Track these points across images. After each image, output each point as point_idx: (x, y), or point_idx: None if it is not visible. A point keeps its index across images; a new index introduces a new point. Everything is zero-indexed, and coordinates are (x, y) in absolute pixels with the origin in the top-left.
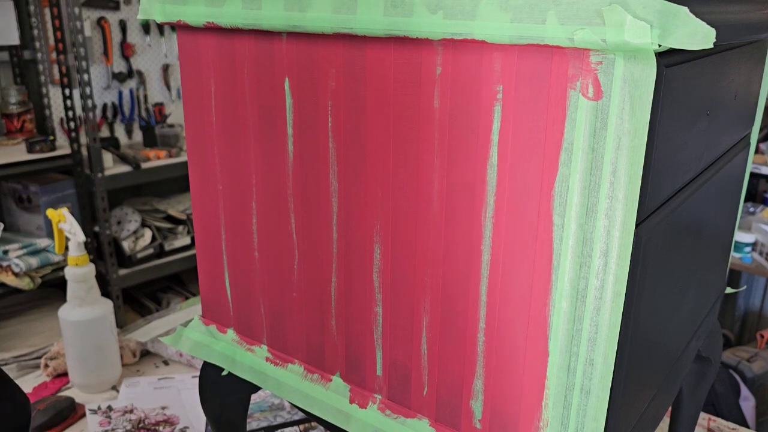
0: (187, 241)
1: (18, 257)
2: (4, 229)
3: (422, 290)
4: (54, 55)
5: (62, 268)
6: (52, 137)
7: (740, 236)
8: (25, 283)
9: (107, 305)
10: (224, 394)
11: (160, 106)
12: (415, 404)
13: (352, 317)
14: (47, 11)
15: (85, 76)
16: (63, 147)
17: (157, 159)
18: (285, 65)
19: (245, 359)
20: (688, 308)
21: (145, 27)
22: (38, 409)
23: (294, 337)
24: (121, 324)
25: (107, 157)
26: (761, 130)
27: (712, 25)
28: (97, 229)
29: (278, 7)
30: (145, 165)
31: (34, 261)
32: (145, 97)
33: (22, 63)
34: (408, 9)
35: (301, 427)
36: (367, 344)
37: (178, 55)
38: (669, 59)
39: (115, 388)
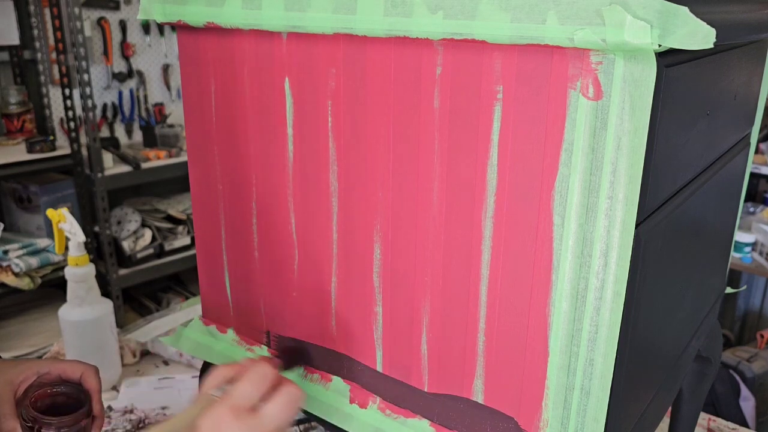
0: (187, 241)
1: (18, 257)
2: (4, 229)
3: (422, 290)
4: (54, 55)
5: (62, 268)
6: (52, 137)
7: (740, 236)
8: (25, 283)
9: (107, 305)
10: None
11: (160, 106)
12: (415, 404)
13: (352, 317)
14: (47, 11)
15: (85, 76)
16: (63, 147)
17: (157, 159)
18: (285, 65)
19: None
20: (688, 308)
21: (145, 27)
22: None
23: (294, 337)
24: (121, 324)
25: (107, 157)
26: (761, 130)
27: (712, 25)
28: (97, 229)
29: (278, 7)
30: (145, 165)
31: (34, 261)
32: (145, 97)
33: (22, 63)
34: (408, 9)
35: (301, 427)
36: (367, 344)
37: (178, 55)
38: (669, 59)
39: (115, 388)
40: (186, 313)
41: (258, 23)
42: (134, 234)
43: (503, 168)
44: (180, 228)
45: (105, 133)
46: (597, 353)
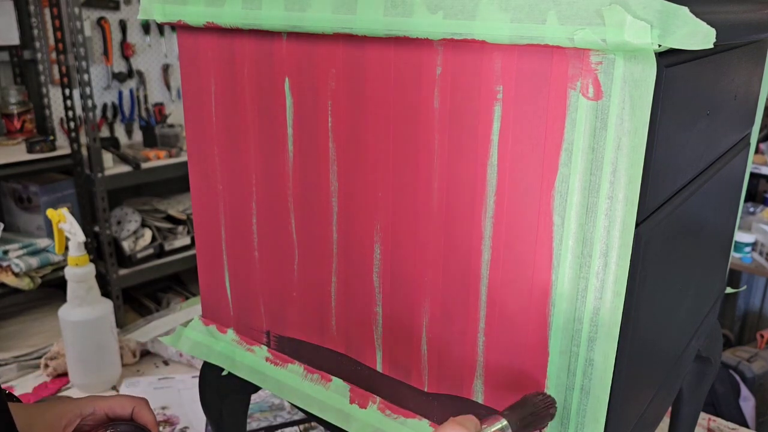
0: (187, 241)
1: (18, 257)
2: (4, 229)
3: (422, 290)
4: (54, 55)
5: (62, 268)
6: (52, 137)
7: (740, 236)
8: (25, 283)
9: (107, 305)
10: (224, 394)
11: (160, 106)
12: (415, 404)
13: (352, 317)
14: (47, 11)
15: (85, 76)
16: (63, 147)
17: (157, 159)
18: (285, 65)
19: (245, 359)
20: (688, 308)
21: (145, 27)
22: None
23: (294, 336)
24: (121, 324)
25: (107, 157)
26: (761, 130)
27: (712, 25)
28: (97, 229)
29: (278, 7)
30: (145, 165)
31: (34, 261)
32: (145, 97)
33: (22, 63)
34: (408, 9)
35: (301, 427)
36: (367, 344)
37: (178, 55)
38: (669, 59)
39: (115, 388)
40: (186, 313)
41: (258, 23)
42: (134, 234)
43: (503, 168)
44: (180, 228)
45: (105, 133)
46: (597, 353)
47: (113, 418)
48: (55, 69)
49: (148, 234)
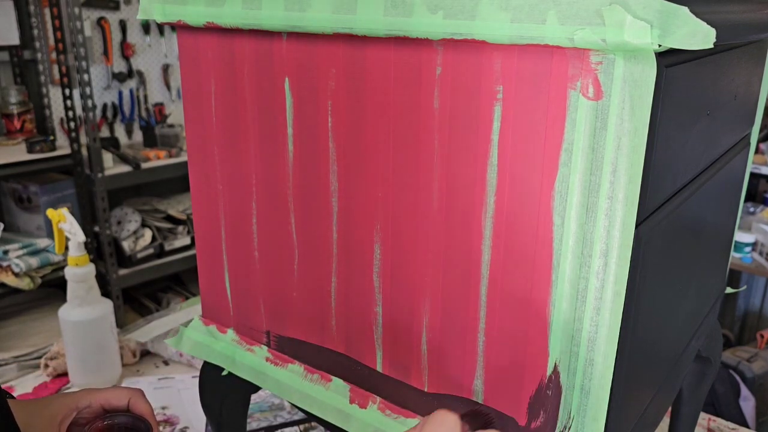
0: (187, 241)
1: (18, 257)
2: (4, 229)
3: (422, 290)
4: (54, 55)
5: (62, 268)
6: (52, 137)
7: (740, 236)
8: (25, 283)
9: (107, 305)
10: (224, 394)
11: (160, 106)
12: (415, 404)
13: (352, 317)
14: (47, 11)
15: (85, 76)
16: (63, 147)
17: (157, 159)
18: (285, 65)
19: (245, 359)
20: (688, 308)
21: (145, 27)
22: None
23: (294, 336)
24: (121, 324)
25: (107, 157)
26: (761, 130)
27: (712, 25)
28: (97, 229)
29: (278, 7)
30: (145, 165)
31: (34, 261)
32: (145, 97)
33: (22, 63)
34: (408, 9)
35: (301, 427)
36: (367, 344)
37: (178, 55)
38: (669, 59)
39: None
40: (186, 313)
41: (258, 23)
42: (134, 234)
43: (503, 168)
44: (180, 228)
45: (105, 133)
46: (597, 353)
47: (109, 410)
48: (55, 69)
49: (148, 234)
